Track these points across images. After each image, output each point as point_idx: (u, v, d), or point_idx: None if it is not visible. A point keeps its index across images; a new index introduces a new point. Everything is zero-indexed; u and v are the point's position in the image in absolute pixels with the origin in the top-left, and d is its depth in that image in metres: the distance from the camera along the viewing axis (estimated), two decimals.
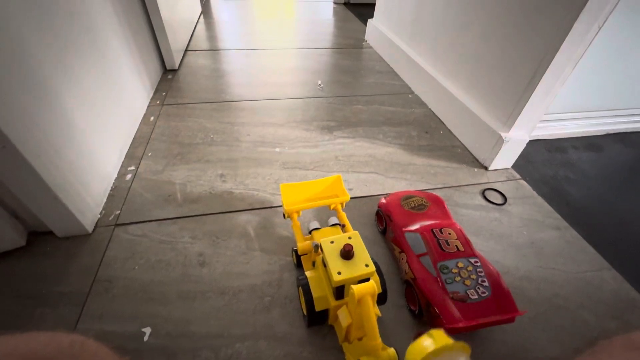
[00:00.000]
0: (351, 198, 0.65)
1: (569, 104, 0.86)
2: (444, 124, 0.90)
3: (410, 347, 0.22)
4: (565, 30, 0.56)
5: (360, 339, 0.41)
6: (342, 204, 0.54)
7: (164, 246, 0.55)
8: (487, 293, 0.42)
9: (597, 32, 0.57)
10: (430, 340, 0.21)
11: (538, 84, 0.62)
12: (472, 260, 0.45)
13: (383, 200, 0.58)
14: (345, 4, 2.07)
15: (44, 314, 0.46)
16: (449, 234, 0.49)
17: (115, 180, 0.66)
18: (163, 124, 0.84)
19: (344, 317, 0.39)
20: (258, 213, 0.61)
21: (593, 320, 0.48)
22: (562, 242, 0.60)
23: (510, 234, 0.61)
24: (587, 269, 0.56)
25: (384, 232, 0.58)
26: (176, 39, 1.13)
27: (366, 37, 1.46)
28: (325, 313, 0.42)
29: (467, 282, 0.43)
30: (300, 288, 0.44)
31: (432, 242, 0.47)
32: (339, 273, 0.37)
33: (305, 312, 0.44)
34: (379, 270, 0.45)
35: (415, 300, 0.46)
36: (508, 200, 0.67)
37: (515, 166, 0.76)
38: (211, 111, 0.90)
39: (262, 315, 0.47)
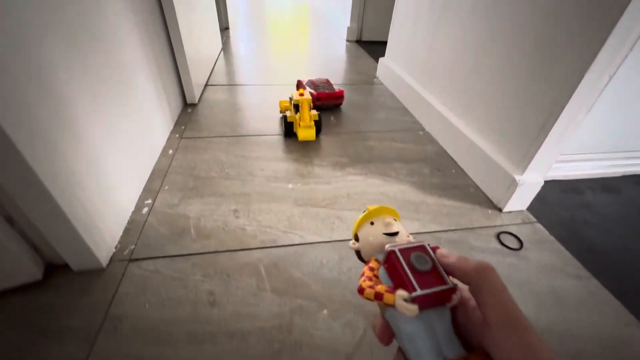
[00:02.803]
0: None
1: (583, 144, 0.86)
2: (456, 162, 0.91)
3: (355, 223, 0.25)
4: (577, 80, 0.57)
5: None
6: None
7: (176, 283, 0.55)
8: None
9: (609, 81, 0.58)
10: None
11: (551, 129, 0.63)
12: None
13: None
14: (357, 41, 2.17)
15: (52, 350, 0.45)
16: None
17: (132, 213, 0.68)
18: (181, 157, 0.87)
19: (295, 119, 0.94)
20: (269, 252, 0.61)
21: None
22: (585, 293, 0.57)
23: (528, 281, 0.59)
24: (614, 323, 0.53)
25: None
26: (197, 75, 1.20)
27: (377, 74, 1.52)
28: (292, 126, 0.95)
29: None
30: (282, 119, 0.96)
31: None
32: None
33: (284, 130, 0.96)
34: (320, 120, 0.96)
35: None
36: (524, 244, 0.66)
37: (531, 207, 0.75)
38: (227, 145, 0.93)
39: None
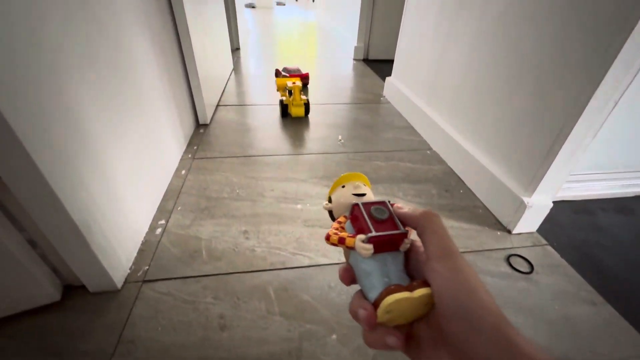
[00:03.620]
0: None
1: (594, 163, 0.85)
2: (464, 182, 0.91)
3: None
4: (581, 106, 0.58)
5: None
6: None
7: (187, 306, 0.56)
8: None
9: (614, 107, 0.59)
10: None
11: (558, 152, 0.63)
12: None
13: None
14: (364, 60, 2.22)
15: None
16: None
17: (146, 234, 0.70)
18: (193, 177, 0.90)
19: (289, 100, 1.25)
20: (279, 274, 0.62)
21: None
22: (599, 320, 0.56)
23: (540, 308, 0.58)
24: (632, 354, 0.51)
25: None
26: (209, 95, 1.24)
27: (384, 93, 1.55)
28: (287, 108, 1.26)
29: None
30: (280, 102, 1.27)
31: None
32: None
33: (281, 111, 1.27)
34: (308, 103, 1.26)
35: None
36: (535, 268, 0.65)
37: (541, 229, 0.75)
38: (238, 165, 0.96)
39: None
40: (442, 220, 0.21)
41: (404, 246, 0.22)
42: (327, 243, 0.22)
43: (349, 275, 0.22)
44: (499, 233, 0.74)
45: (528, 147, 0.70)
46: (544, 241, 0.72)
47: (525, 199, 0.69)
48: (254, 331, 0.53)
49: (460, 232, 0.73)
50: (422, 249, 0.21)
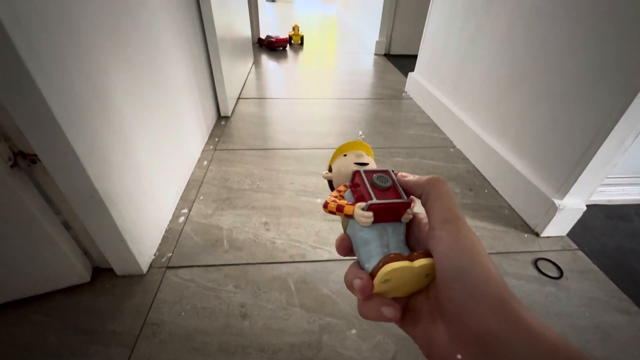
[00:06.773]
0: None
1: (631, 166, 0.81)
2: (488, 182, 0.88)
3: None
4: (625, 104, 0.54)
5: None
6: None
7: (209, 293, 0.57)
8: None
9: None
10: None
11: (595, 153, 0.60)
12: None
13: None
14: (385, 55, 2.19)
15: (97, 351, 0.49)
16: None
17: (169, 222, 0.72)
18: (215, 168, 0.91)
19: (292, 34, 2.35)
20: (298, 266, 0.62)
21: None
22: (634, 330, 0.53)
23: (570, 314, 0.55)
24: None
25: None
26: (231, 89, 1.26)
27: (406, 89, 1.52)
28: (291, 39, 2.35)
29: None
30: (288, 36, 2.28)
31: None
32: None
33: (289, 43, 2.27)
34: (303, 37, 2.36)
35: None
36: (564, 273, 0.62)
37: (571, 233, 0.71)
38: (258, 158, 0.97)
39: None
40: (449, 187, 0.19)
41: (406, 217, 0.20)
42: (325, 211, 0.21)
43: (345, 245, 0.21)
44: (525, 235, 0.71)
45: (561, 147, 0.67)
46: (574, 246, 0.69)
47: (557, 201, 0.66)
48: (274, 321, 0.53)
49: (484, 233, 0.71)
50: (425, 220, 0.20)
